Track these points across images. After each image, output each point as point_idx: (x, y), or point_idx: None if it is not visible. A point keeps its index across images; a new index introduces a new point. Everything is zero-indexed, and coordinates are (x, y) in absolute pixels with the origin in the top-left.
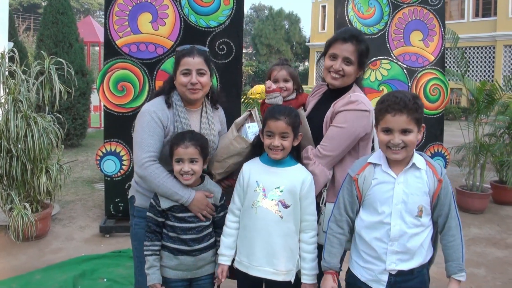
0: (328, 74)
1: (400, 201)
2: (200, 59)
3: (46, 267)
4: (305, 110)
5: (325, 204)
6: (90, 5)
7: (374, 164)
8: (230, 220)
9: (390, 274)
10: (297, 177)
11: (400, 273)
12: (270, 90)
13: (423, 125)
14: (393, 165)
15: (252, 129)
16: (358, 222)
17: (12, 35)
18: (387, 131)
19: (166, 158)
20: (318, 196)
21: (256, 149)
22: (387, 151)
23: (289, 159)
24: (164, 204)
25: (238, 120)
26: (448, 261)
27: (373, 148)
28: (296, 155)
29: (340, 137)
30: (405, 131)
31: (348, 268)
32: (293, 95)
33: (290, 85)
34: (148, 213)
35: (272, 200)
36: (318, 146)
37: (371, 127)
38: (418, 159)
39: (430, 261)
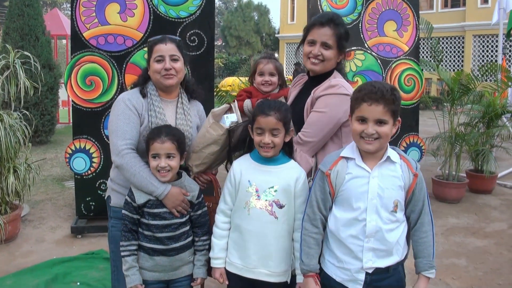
0: (308, 60)
1: (375, 196)
2: (172, 45)
3: (17, 272)
4: (286, 101)
5: None
6: None
7: (347, 158)
8: (222, 221)
9: (366, 273)
10: (291, 176)
11: (376, 271)
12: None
13: (399, 118)
14: (367, 159)
15: (230, 119)
16: (331, 220)
17: None
18: (362, 120)
19: (142, 152)
20: None
21: (241, 143)
22: (360, 141)
23: (281, 156)
24: (140, 199)
25: (216, 109)
26: (419, 257)
27: None
28: (288, 151)
29: (321, 122)
30: (380, 122)
31: (320, 268)
32: (276, 91)
33: (275, 79)
34: (123, 211)
35: (266, 200)
36: (299, 133)
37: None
38: (392, 153)
39: (405, 257)
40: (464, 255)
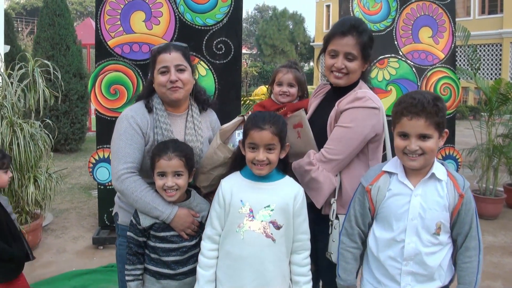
0: (331, 73)
1: (416, 216)
2: (177, 54)
3: (35, 283)
4: (306, 113)
5: (337, 216)
6: (94, 8)
7: (390, 173)
8: (208, 248)
9: None
10: (288, 193)
11: None
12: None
13: (446, 130)
14: (411, 174)
15: (242, 136)
16: (371, 239)
17: (11, 38)
18: (404, 135)
19: (147, 170)
20: (327, 207)
21: (236, 161)
22: (403, 158)
23: (275, 172)
24: (145, 222)
25: (226, 126)
26: (460, 283)
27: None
28: (283, 167)
29: (347, 138)
30: (423, 137)
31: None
32: (296, 101)
33: (294, 90)
34: (128, 233)
35: (261, 221)
36: (322, 150)
37: (382, 127)
38: (439, 168)
39: (451, 280)
40: (501, 278)
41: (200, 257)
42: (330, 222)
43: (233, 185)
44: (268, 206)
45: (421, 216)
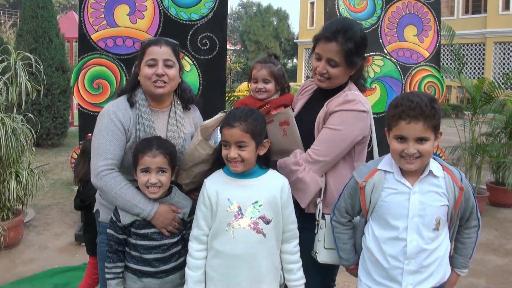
0: (315, 75)
1: (416, 214)
2: (167, 49)
3: (16, 281)
4: (292, 110)
5: (323, 216)
6: (77, 1)
7: (385, 171)
8: (196, 249)
9: None
10: (275, 185)
11: None
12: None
13: (441, 131)
14: (407, 173)
15: None
16: (369, 237)
17: None
18: (401, 138)
19: (128, 167)
20: (312, 207)
21: (219, 159)
22: (400, 161)
23: (257, 168)
24: (125, 219)
25: (208, 122)
26: (456, 254)
27: (370, 154)
28: (264, 161)
29: (335, 141)
30: (421, 140)
31: None
32: (276, 95)
33: (270, 86)
34: (108, 230)
35: (251, 218)
36: (309, 150)
37: (369, 130)
38: (434, 165)
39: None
40: (484, 274)
41: (188, 258)
42: (316, 222)
43: (217, 184)
44: (256, 202)
45: (421, 213)
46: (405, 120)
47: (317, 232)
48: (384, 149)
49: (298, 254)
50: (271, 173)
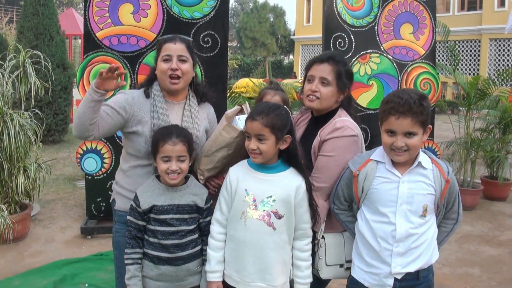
0: (306, 98)
1: (404, 201)
2: (182, 45)
3: (25, 272)
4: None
5: (323, 236)
6: None
7: (377, 161)
8: (217, 231)
9: (395, 279)
10: (290, 184)
11: (406, 277)
12: None
13: (430, 126)
14: (398, 164)
15: (242, 121)
16: (361, 222)
17: None
18: (391, 132)
19: (145, 154)
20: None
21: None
22: (391, 153)
23: (280, 164)
24: (144, 204)
25: (229, 111)
26: None
27: None
28: (287, 158)
29: (331, 166)
30: (409, 134)
31: (350, 274)
32: None
33: None
34: (128, 217)
35: (264, 210)
36: (310, 179)
37: (361, 150)
38: (423, 158)
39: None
40: (478, 264)
41: (210, 240)
42: (316, 241)
43: (239, 174)
44: (270, 196)
45: (409, 201)
46: (394, 115)
47: (317, 251)
48: (379, 143)
49: (309, 253)
50: (291, 171)
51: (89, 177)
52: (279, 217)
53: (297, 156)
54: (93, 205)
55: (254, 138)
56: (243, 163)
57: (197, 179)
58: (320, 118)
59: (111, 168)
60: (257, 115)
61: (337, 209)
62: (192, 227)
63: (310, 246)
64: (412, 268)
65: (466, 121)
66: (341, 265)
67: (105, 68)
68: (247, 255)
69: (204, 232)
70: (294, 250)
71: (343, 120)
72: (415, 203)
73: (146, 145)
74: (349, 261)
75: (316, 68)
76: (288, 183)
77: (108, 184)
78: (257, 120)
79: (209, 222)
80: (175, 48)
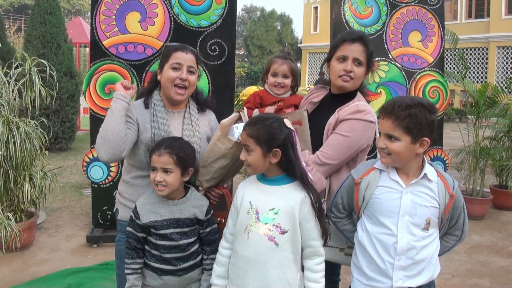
0: (338, 78)
1: (407, 213)
2: (192, 56)
3: (30, 281)
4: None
5: (326, 216)
6: (81, 6)
7: (380, 170)
8: (224, 246)
9: None
10: (294, 197)
11: None
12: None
13: (426, 138)
14: (401, 173)
15: (239, 130)
16: (362, 232)
17: (1, 36)
18: (379, 133)
19: (143, 164)
20: None
21: None
22: (379, 153)
23: (284, 177)
24: (143, 218)
25: (225, 121)
26: None
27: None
28: (287, 169)
29: (343, 146)
30: (390, 137)
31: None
32: (287, 94)
33: (288, 81)
34: (128, 228)
35: (266, 224)
36: (318, 153)
37: (373, 139)
38: (429, 170)
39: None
40: (487, 275)
41: (217, 254)
42: None
43: (246, 187)
44: (273, 209)
45: (412, 212)
46: (380, 116)
47: None
48: None
49: (322, 273)
50: (295, 185)
51: (96, 186)
52: (282, 232)
53: (296, 170)
54: (99, 214)
55: (243, 149)
56: (253, 177)
57: (198, 190)
58: (338, 97)
59: (117, 176)
60: (247, 125)
61: (334, 217)
62: (192, 239)
63: (322, 266)
64: (414, 283)
65: (475, 130)
66: (341, 249)
67: (113, 77)
68: (248, 272)
69: (204, 242)
70: (305, 270)
71: (365, 105)
72: (418, 216)
73: (146, 155)
74: (350, 247)
75: (348, 47)
76: (291, 196)
77: (114, 192)
78: (244, 130)
79: (209, 233)
80: (186, 58)
